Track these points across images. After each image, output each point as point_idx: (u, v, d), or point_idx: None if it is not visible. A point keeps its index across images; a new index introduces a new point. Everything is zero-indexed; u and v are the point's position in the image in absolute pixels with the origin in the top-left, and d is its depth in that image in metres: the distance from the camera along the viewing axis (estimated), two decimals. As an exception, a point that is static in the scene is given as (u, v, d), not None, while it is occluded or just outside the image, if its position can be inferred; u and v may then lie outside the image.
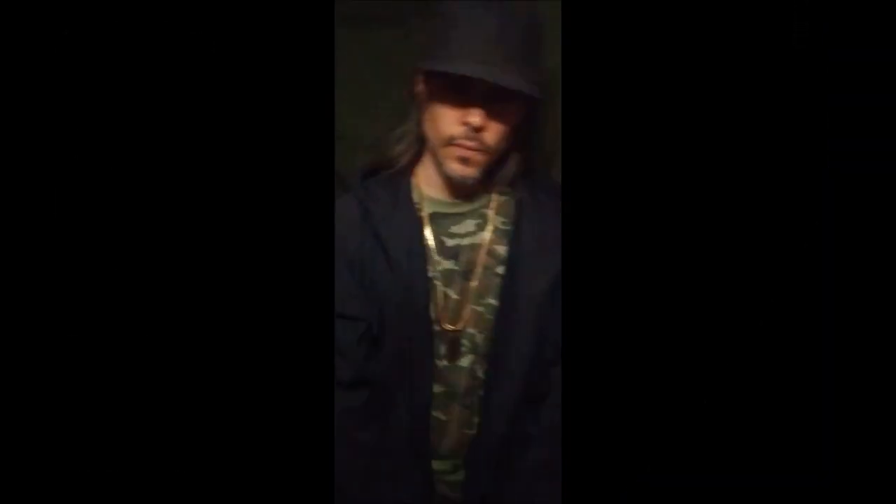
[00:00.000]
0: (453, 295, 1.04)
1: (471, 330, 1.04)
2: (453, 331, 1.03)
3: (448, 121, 0.98)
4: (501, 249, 1.05)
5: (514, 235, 1.05)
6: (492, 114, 0.97)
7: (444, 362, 1.04)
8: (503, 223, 1.06)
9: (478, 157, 0.99)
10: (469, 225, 1.06)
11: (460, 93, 0.97)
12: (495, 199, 1.06)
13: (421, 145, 1.06)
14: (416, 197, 1.07)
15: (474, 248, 1.05)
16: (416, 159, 1.08)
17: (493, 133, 0.99)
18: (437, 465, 1.06)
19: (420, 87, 1.03)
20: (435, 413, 1.04)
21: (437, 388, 1.04)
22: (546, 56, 1.02)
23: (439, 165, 1.03)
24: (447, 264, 1.04)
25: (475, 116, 0.96)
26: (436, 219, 1.05)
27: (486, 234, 1.05)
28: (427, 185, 1.07)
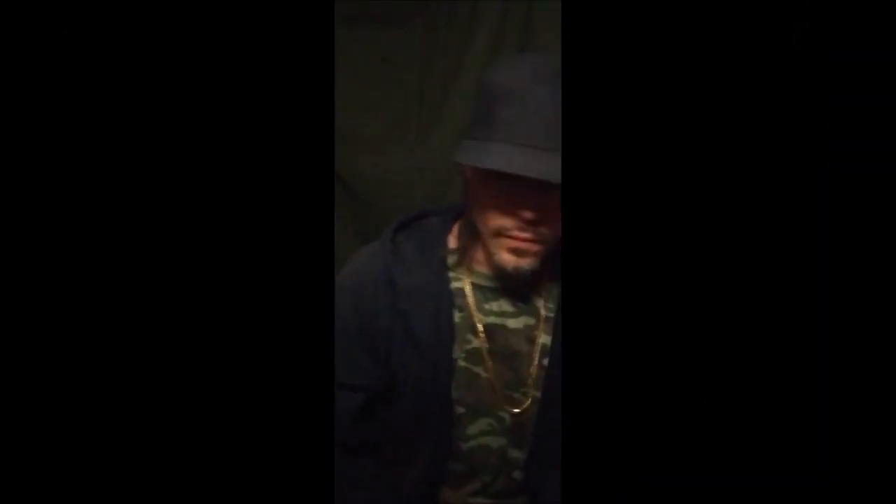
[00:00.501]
0: (483, 374, 0.92)
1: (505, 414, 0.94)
2: (517, 414, 0.92)
3: (496, 212, 0.85)
4: (545, 339, 0.93)
5: (558, 322, 0.92)
6: (550, 203, 0.82)
7: (470, 443, 0.95)
8: (549, 308, 0.94)
9: (534, 247, 0.87)
10: (505, 304, 0.94)
11: (511, 180, 0.81)
12: (543, 284, 0.94)
13: (471, 230, 0.93)
14: (451, 262, 0.94)
15: (514, 332, 0.93)
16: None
17: (552, 223, 0.85)
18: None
19: (465, 171, 0.90)
20: (446, 488, 0.97)
21: (456, 467, 0.96)
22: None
23: (489, 253, 0.90)
24: (476, 343, 0.92)
25: (528, 211, 0.83)
26: (472, 291, 0.93)
27: (529, 321, 0.93)
28: (470, 255, 0.95)
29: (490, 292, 0.94)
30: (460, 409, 0.94)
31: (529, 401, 0.93)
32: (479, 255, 0.94)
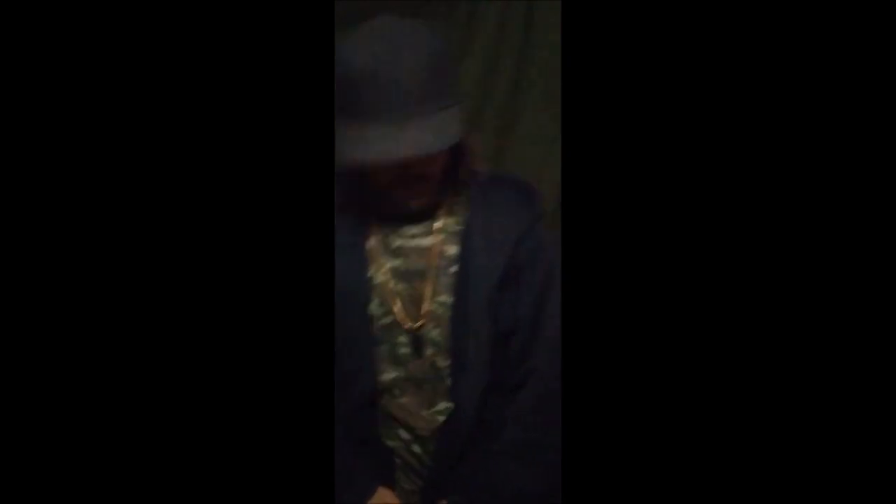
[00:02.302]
0: (404, 291, 1.06)
1: (429, 325, 1.05)
2: (415, 329, 1.05)
3: (388, 187, 0.98)
4: (452, 250, 1.06)
5: (464, 235, 1.06)
6: (419, 165, 0.95)
7: (406, 352, 1.06)
8: (455, 224, 1.07)
9: (426, 188, 1.00)
10: (415, 227, 1.07)
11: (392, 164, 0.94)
12: (446, 203, 1.07)
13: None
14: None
15: (423, 250, 1.06)
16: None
17: (436, 165, 0.98)
18: (403, 433, 1.09)
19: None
20: (401, 400, 1.07)
21: (398, 374, 1.06)
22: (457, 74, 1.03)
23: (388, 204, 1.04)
24: (394, 263, 1.06)
25: (414, 169, 0.95)
26: (384, 222, 1.07)
27: (437, 237, 1.06)
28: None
29: (399, 221, 1.07)
30: (389, 322, 1.06)
31: (443, 310, 1.05)
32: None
